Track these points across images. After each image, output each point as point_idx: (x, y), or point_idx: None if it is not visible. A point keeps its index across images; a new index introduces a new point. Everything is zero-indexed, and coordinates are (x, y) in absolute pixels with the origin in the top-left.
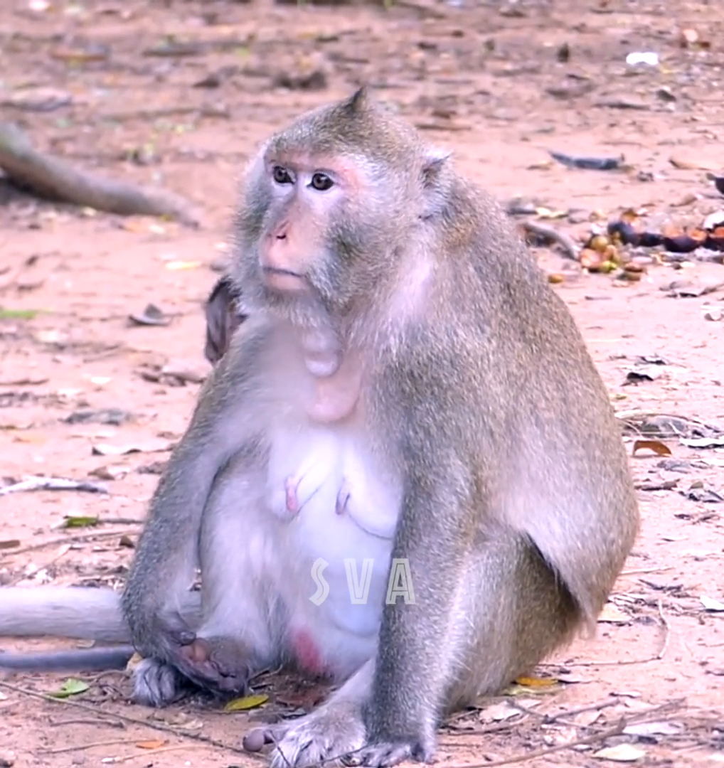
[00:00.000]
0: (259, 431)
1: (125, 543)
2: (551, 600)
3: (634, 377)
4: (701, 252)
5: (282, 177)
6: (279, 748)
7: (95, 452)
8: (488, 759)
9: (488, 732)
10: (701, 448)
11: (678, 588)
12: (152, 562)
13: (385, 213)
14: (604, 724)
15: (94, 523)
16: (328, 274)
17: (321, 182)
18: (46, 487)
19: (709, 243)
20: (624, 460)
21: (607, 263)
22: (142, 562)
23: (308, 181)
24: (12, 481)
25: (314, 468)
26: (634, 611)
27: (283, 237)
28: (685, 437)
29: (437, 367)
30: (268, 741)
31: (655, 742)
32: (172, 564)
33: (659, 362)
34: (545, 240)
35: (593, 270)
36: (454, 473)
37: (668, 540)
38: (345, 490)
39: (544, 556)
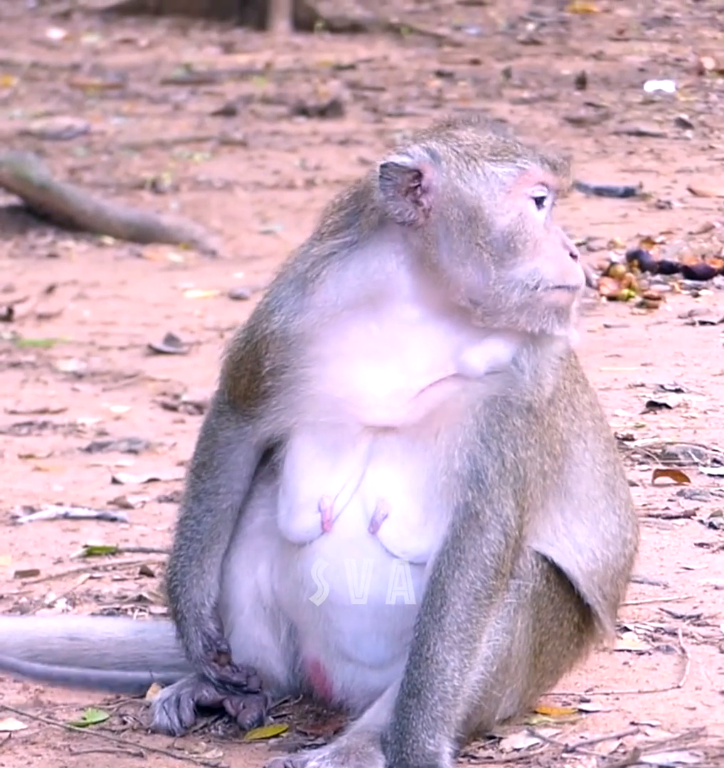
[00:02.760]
0: (289, 427)
1: (145, 572)
2: (569, 618)
3: (653, 405)
4: (719, 280)
5: (541, 200)
6: None
7: (114, 481)
8: None
9: (508, 761)
10: (721, 476)
11: (698, 616)
12: (196, 553)
13: None
14: (624, 753)
15: (113, 552)
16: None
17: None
18: (66, 517)
19: None
20: (621, 456)
21: (625, 291)
22: (187, 552)
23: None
24: (31, 510)
25: (346, 486)
26: (654, 640)
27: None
28: (704, 465)
29: (543, 407)
30: None
31: None
32: (214, 555)
33: (677, 390)
34: None
35: (612, 298)
36: (508, 514)
37: (687, 568)
38: (383, 510)
39: (565, 572)
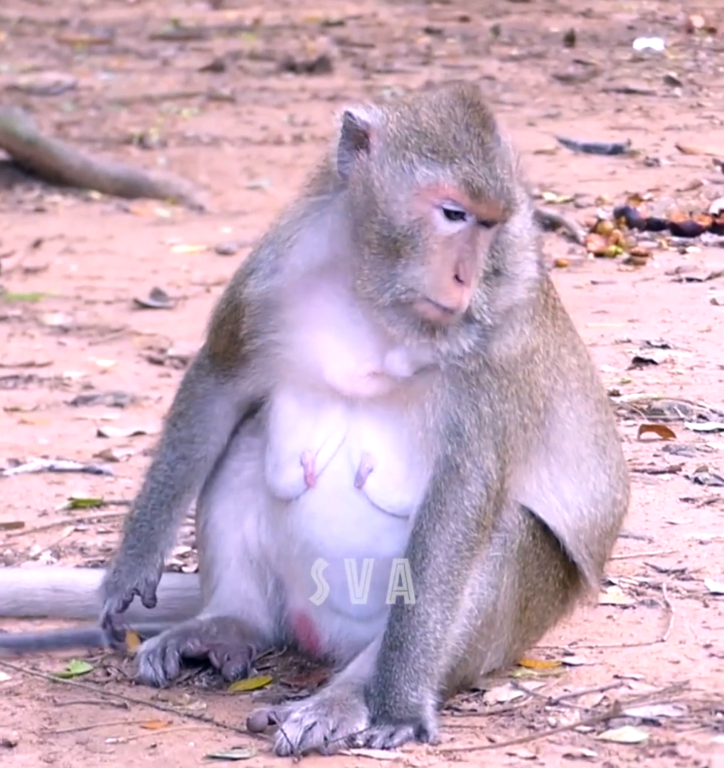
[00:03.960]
0: (272, 391)
1: None
2: (554, 575)
3: (639, 361)
4: (706, 237)
5: (457, 216)
6: (282, 730)
7: (100, 434)
8: (491, 740)
9: (492, 714)
10: (706, 432)
11: (683, 571)
12: (168, 499)
13: (528, 236)
14: (607, 706)
15: (98, 504)
16: (486, 304)
17: (494, 222)
18: (51, 469)
19: (715, 228)
20: (614, 419)
21: (613, 248)
22: (158, 496)
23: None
24: (17, 463)
25: (328, 441)
26: (638, 594)
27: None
28: (690, 421)
29: (513, 363)
30: (271, 722)
31: (658, 725)
32: (183, 504)
33: (664, 346)
34: (551, 225)
35: (599, 254)
36: (489, 466)
37: (672, 523)
38: (368, 464)
39: (551, 528)
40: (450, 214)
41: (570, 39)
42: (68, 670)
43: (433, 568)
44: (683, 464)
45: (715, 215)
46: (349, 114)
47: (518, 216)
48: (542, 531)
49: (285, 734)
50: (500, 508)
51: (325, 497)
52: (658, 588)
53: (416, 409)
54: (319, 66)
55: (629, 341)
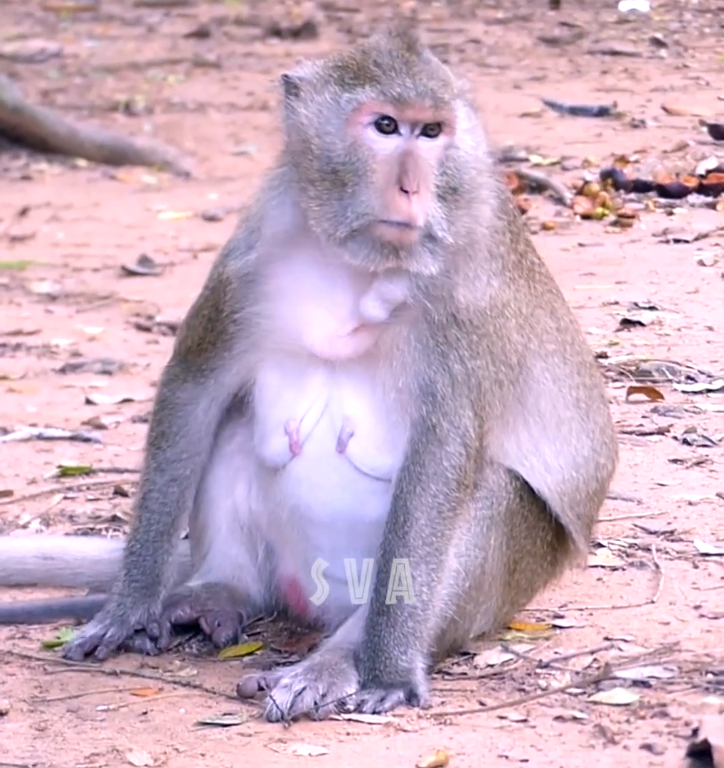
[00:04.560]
0: (253, 366)
1: (119, 492)
2: (542, 537)
3: (627, 323)
4: (693, 198)
5: (390, 129)
6: (271, 697)
7: (88, 402)
8: (482, 704)
9: (483, 677)
10: (694, 393)
11: (672, 532)
12: (167, 528)
13: (479, 152)
14: (598, 668)
15: (87, 472)
16: (446, 221)
17: (433, 131)
18: (40, 437)
19: (701, 189)
20: (603, 384)
21: (599, 210)
22: (157, 527)
23: (419, 131)
24: (5, 431)
25: (312, 408)
26: (628, 556)
27: (415, 192)
28: (678, 382)
29: (481, 317)
30: (262, 688)
31: (649, 686)
32: (180, 527)
33: (651, 308)
34: (538, 187)
35: (586, 217)
36: (466, 424)
37: (661, 485)
38: (349, 429)
39: (536, 490)
40: (382, 128)
41: (555, 1)
42: (58, 637)
43: (415, 530)
44: (671, 425)
45: (701, 176)
46: (284, 75)
47: (465, 133)
48: (529, 493)
49: (275, 700)
50: (480, 466)
51: (310, 463)
52: (647, 549)
53: (388, 369)
54: (305, 31)
55: (616, 303)
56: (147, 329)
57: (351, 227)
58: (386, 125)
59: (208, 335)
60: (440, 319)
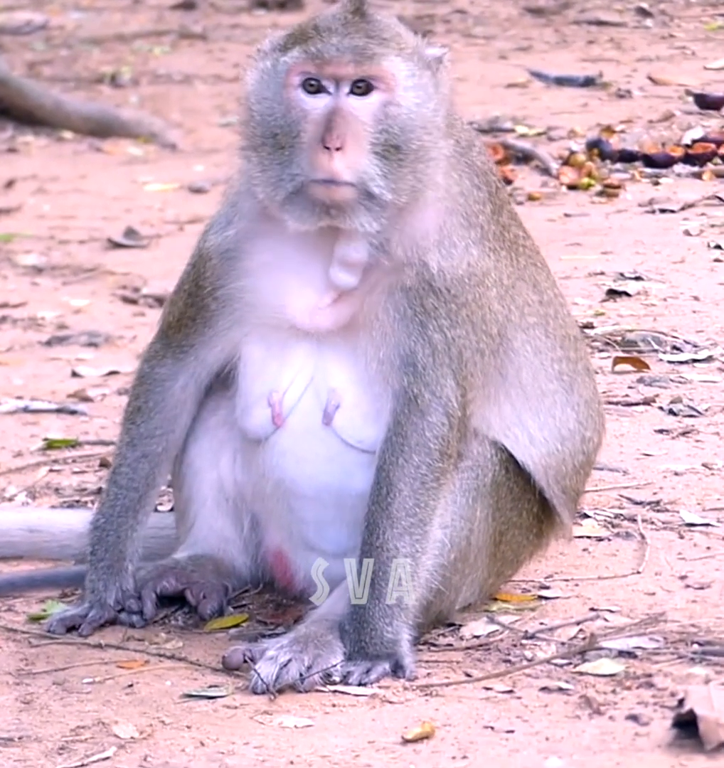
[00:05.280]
0: (238, 341)
1: (104, 464)
2: (528, 509)
3: (613, 293)
4: (679, 168)
5: (314, 88)
6: (255, 670)
7: (74, 374)
8: (468, 675)
9: (468, 648)
10: (680, 363)
11: (658, 503)
12: (133, 503)
13: (425, 111)
14: (583, 639)
15: (73, 445)
16: (384, 178)
17: (361, 89)
18: (26, 410)
19: (687, 159)
20: (589, 357)
21: (585, 180)
22: (123, 501)
23: (348, 89)
24: None
25: (295, 381)
26: (613, 526)
27: (339, 149)
28: (664, 352)
29: (458, 285)
30: (247, 660)
31: (635, 657)
32: (148, 504)
33: (637, 278)
34: (524, 158)
35: (572, 187)
36: (449, 394)
37: (647, 455)
38: (335, 401)
39: (520, 463)
40: (309, 88)
41: None
42: (44, 610)
43: (399, 501)
44: (657, 396)
45: (687, 146)
46: (256, 49)
47: (408, 91)
48: (515, 465)
49: (260, 672)
50: (464, 436)
51: (296, 436)
52: (633, 520)
53: (369, 340)
54: (291, 2)
55: (602, 273)
56: (133, 301)
57: (287, 190)
58: (310, 85)
59: (189, 310)
60: (415, 286)
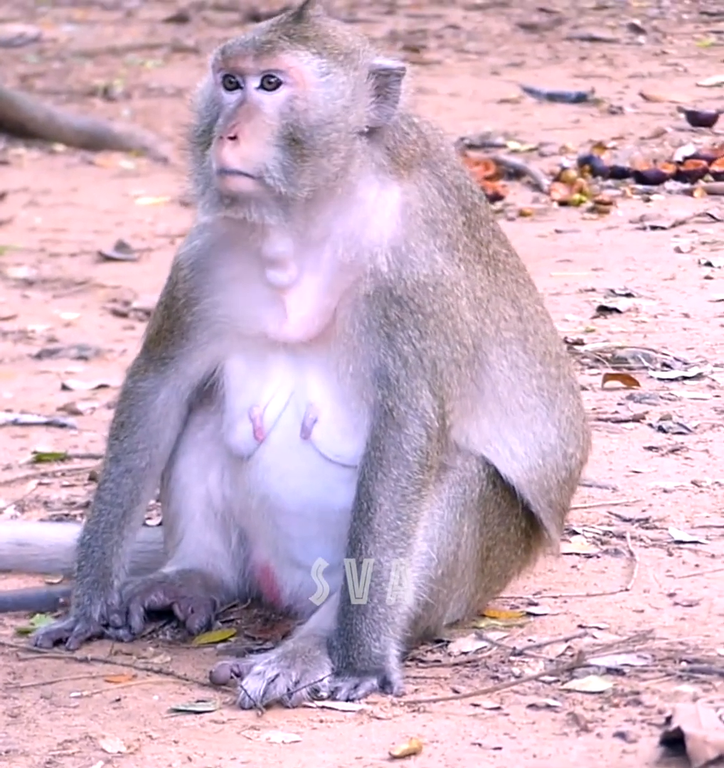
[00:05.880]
0: (219, 355)
1: (93, 478)
2: (516, 524)
3: (603, 310)
4: (670, 185)
5: (232, 85)
6: (242, 686)
7: (64, 388)
8: (456, 691)
9: (456, 664)
10: (670, 380)
11: (647, 520)
12: (117, 519)
13: (333, 109)
14: (572, 656)
15: (62, 458)
16: (282, 171)
17: (271, 84)
18: (15, 423)
19: (678, 176)
20: (574, 374)
21: (576, 196)
22: (107, 517)
23: (257, 83)
24: None
25: (276, 395)
26: (602, 543)
27: (234, 138)
28: (654, 369)
29: (422, 293)
30: (235, 675)
31: (623, 674)
32: (134, 520)
33: (628, 295)
34: (515, 173)
35: (563, 203)
36: (425, 405)
37: (636, 472)
38: (312, 415)
39: (504, 478)
40: (228, 85)
41: None
42: (32, 624)
43: (380, 516)
44: (646, 413)
45: (679, 163)
46: None
47: (319, 88)
48: (502, 480)
49: (245, 689)
50: (445, 447)
51: (278, 451)
52: (622, 537)
53: (342, 354)
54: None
55: (593, 290)
56: (123, 315)
57: (202, 183)
58: (230, 81)
59: (166, 323)
60: (376, 295)
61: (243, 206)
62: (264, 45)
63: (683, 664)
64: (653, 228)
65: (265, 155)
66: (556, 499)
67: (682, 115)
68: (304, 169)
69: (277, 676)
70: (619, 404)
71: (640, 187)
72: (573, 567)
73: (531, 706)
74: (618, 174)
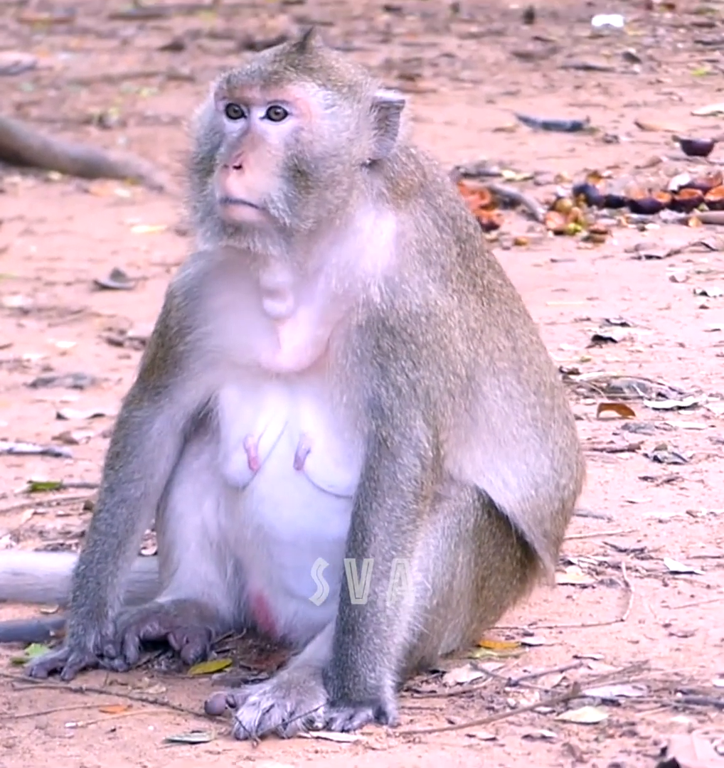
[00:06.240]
0: (213, 384)
1: (88, 507)
2: (511, 554)
3: (598, 339)
4: (665, 214)
5: (236, 113)
6: (237, 717)
7: (59, 417)
8: (451, 722)
9: (452, 695)
10: (665, 410)
11: (642, 550)
12: (112, 549)
13: (339, 141)
14: (567, 686)
15: (57, 487)
16: (286, 202)
17: (278, 114)
18: (10, 452)
19: (674, 205)
20: (569, 405)
21: (572, 225)
22: (102, 547)
23: (262, 113)
24: None
25: (270, 425)
26: (597, 573)
27: (239, 167)
28: (649, 399)
29: (415, 324)
30: (230, 705)
31: (618, 705)
32: (129, 550)
33: (623, 324)
34: (510, 202)
35: (558, 232)
36: (419, 435)
37: (631, 502)
38: (305, 446)
39: (498, 508)
40: (232, 114)
41: (529, 16)
42: (27, 654)
43: (374, 546)
44: (642, 443)
45: (674, 192)
46: None
47: (324, 120)
48: (497, 510)
49: (242, 718)
50: (439, 477)
51: (272, 481)
52: (617, 567)
53: (336, 385)
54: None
55: (588, 319)
56: (119, 344)
57: (201, 210)
58: (234, 110)
59: (159, 351)
60: (369, 325)
61: (246, 236)
62: (271, 75)
63: (679, 695)
64: (649, 257)
65: (270, 186)
66: (550, 529)
67: (677, 144)
68: (309, 201)
69: (272, 706)
70: (614, 434)
71: (635, 216)
72: (568, 597)
73: (526, 736)
74: (613, 203)
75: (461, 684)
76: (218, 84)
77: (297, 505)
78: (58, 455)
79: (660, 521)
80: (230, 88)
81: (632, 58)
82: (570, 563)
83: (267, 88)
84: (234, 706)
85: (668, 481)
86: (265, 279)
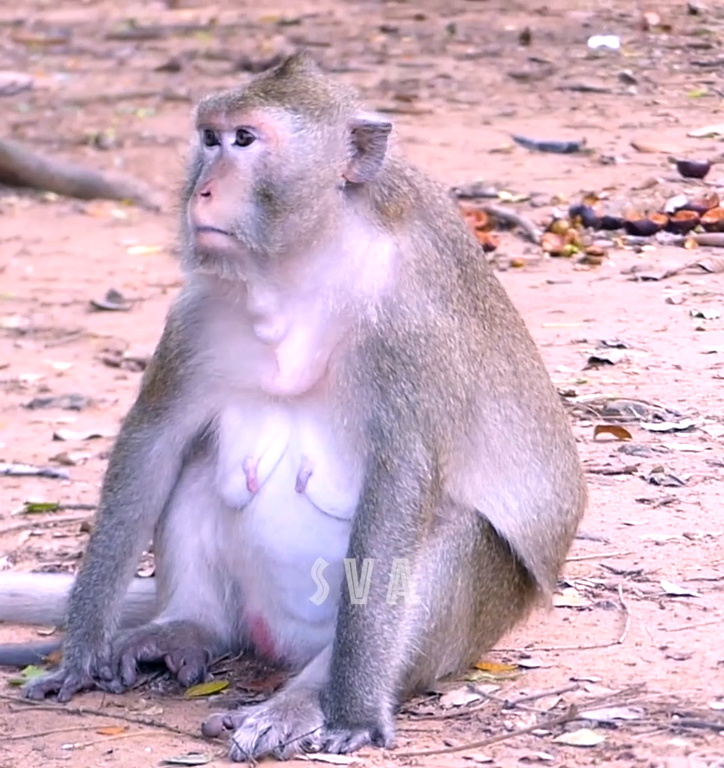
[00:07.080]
0: (214, 407)
1: (85, 529)
2: (509, 579)
3: (595, 361)
4: (662, 236)
5: (211, 140)
6: (234, 739)
7: (56, 438)
8: (448, 744)
9: (448, 717)
10: (662, 432)
11: (639, 572)
12: (109, 572)
13: (305, 164)
14: (564, 709)
15: (54, 508)
16: (254, 227)
17: (243, 139)
18: (7, 473)
19: (670, 227)
20: (571, 430)
21: (568, 247)
22: (99, 569)
23: (232, 139)
24: None
25: (270, 448)
26: (594, 596)
27: (207, 195)
28: (646, 421)
29: (414, 345)
30: (227, 727)
31: (615, 727)
32: (126, 573)
33: (620, 346)
34: (507, 224)
35: (555, 254)
36: (418, 458)
37: (628, 524)
38: (307, 468)
39: (498, 533)
40: (206, 140)
41: (526, 37)
42: (24, 675)
43: (373, 568)
44: (638, 465)
45: (670, 214)
46: None
47: (292, 143)
48: (496, 535)
49: (237, 742)
50: (438, 500)
51: (273, 503)
52: (614, 590)
53: (336, 407)
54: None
55: (584, 341)
56: (115, 365)
57: (184, 239)
58: (206, 136)
59: (160, 374)
60: (368, 347)
61: (216, 263)
62: (237, 102)
63: (675, 717)
64: (645, 279)
65: (238, 211)
66: (550, 555)
67: (673, 166)
68: (276, 225)
69: (269, 728)
70: (611, 456)
71: (631, 238)
72: (565, 620)
73: (523, 759)
74: (610, 225)
75: (457, 706)
76: (194, 112)
77: (298, 527)
78: (54, 476)
79: (657, 544)
80: (200, 115)
81: (628, 80)
82: (567, 586)
83: (231, 114)
84: (231, 727)
85: (665, 503)
86: (249, 304)
